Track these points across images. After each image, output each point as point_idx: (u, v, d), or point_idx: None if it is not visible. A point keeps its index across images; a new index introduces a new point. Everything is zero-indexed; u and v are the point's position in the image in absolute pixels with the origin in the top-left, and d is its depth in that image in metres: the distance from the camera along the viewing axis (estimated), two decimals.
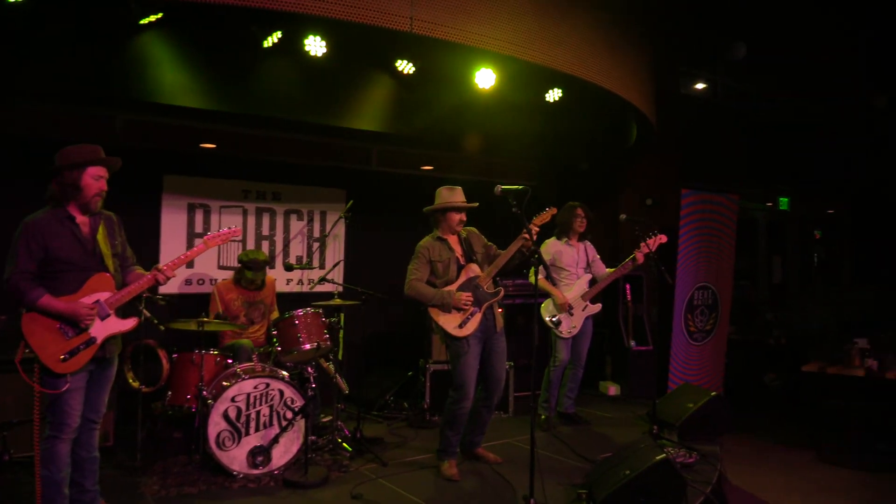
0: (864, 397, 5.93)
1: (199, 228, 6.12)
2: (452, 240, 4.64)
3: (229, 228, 3.97)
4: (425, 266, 4.55)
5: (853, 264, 11.39)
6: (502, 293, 4.60)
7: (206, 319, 4.68)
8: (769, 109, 10.25)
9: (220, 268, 6.20)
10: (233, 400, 4.43)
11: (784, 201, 11.35)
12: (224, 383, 4.51)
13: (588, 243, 5.85)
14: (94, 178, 3.48)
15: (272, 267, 6.44)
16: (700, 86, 9.51)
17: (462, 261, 4.59)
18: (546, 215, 4.57)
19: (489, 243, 4.78)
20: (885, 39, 9.23)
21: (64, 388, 3.36)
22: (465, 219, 4.61)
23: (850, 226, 11.49)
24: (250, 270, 5.44)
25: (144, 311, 4.43)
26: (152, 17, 4.34)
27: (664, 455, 3.83)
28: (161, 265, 3.65)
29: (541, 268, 4.12)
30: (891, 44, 9.12)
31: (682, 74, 9.00)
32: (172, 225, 5.99)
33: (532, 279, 5.17)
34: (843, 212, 11.61)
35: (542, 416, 5.71)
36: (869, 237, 10.99)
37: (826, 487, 5.27)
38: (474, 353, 4.47)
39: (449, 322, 4.45)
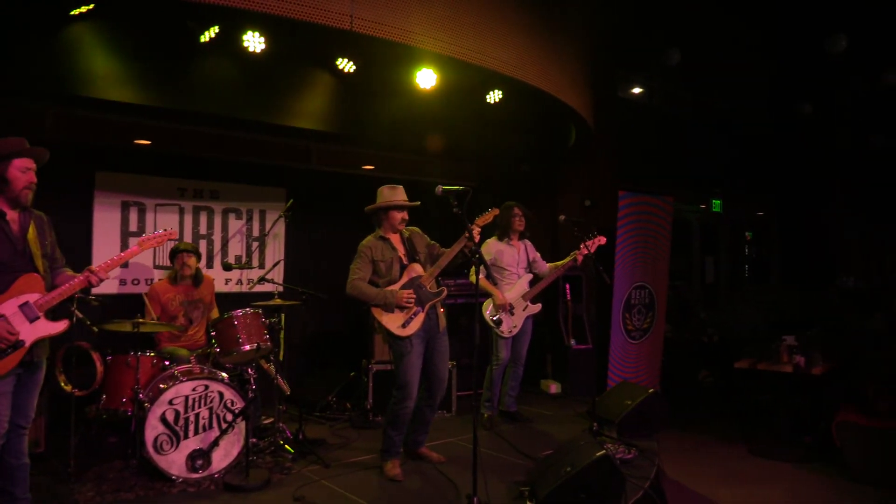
0: (792, 392, 6.18)
1: (133, 227, 5.99)
2: (395, 239, 4.65)
3: (165, 230, 3.91)
4: (368, 265, 4.55)
5: (781, 265, 11.83)
6: (445, 293, 4.63)
7: (141, 320, 4.57)
8: (702, 114, 10.59)
9: (157, 267, 6.09)
10: (170, 403, 4.35)
11: (717, 203, 11.72)
12: (161, 386, 4.43)
13: (528, 243, 5.92)
14: (22, 171, 3.38)
15: (211, 266, 6.36)
16: (637, 90, 9.76)
17: (405, 260, 4.61)
18: (488, 216, 4.61)
19: (432, 243, 4.80)
20: (806, 52, 9.66)
21: None
22: (406, 218, 4.63)
23: (779, 228, 11.92)
24: (177, 252, 5.41)
25: (76, 312, 4.29)
26: (84, 8, 4.22)
27: (604, 451, 3.91)
28: (94, 266, 3.56)
29: (482, 267, 4.16)
30: (812, 55, 9.54)
31: (619, 79, 9.20)
32: (105, 224, 5.84)
33: (473, 279, 5.22)
34: (772, 214, 12.06)
35: (485, 415, 5.76)
36: (795, 239, 11.43)
37: (757, 479, 5.48)
38: (417, 352, 4.49)
39: (392, 321, 4.47)
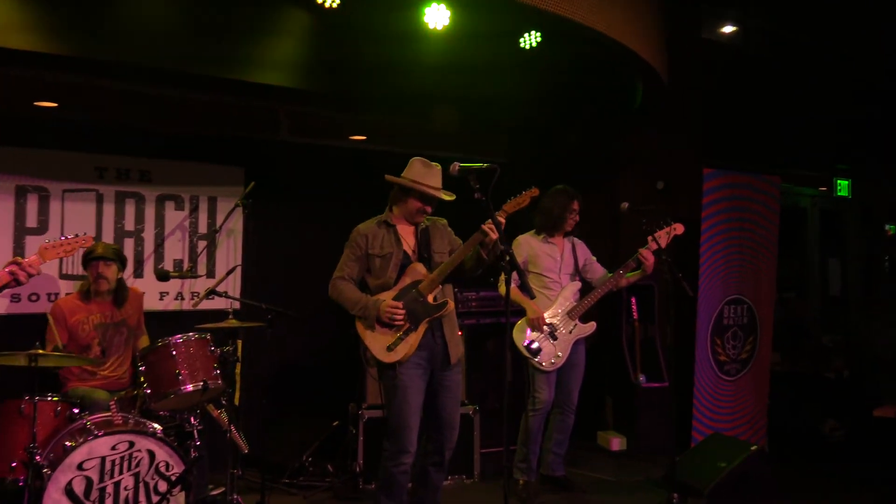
0: None
1: (31, 222, 5.99)
2: (405, 230, 4.65)
3: (77, 235, 3.90)
4: (357, 260, 4.60)
5: None
6: (449, 307, 4.57)
7: (41, 352, 4.50)
8: (821, 61, 10.41)
9: (64, 277, 6.05)
10: (80, 467, 4.30)
11: (843, 185, 11.53)
12: (68, 443, 4.37)
13: (577, 241, 5.90)
14: None
15: (140, 275, 6.35)
16: (728, 29, 9.63)
17: (413, 256, 4.61)
18: (524, 198, 4.55)
19: (459, 242, 4.75)
20: None
21: None
22: (429, 211, 4.63)
23: None
24: (91, 259, 5.36)
25: None
26: None
27: None
28: None
29: (514, 274, 4.10)
30: None
31: (704, 14, 9.09)
32: None
33: (502, 290, 5.16)
34: None
35: (520, 481, 5.71)
36: None
37: None
38: (414, 387, 4.47)
39: (376, 342, 4.49)
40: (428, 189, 4.52)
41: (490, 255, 4.36)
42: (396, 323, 4.44)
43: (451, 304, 4.59)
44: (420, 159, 4.61)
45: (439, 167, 4.57)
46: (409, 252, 4.62)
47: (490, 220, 4.21)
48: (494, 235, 4.23)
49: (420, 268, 4.58)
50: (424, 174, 4.56)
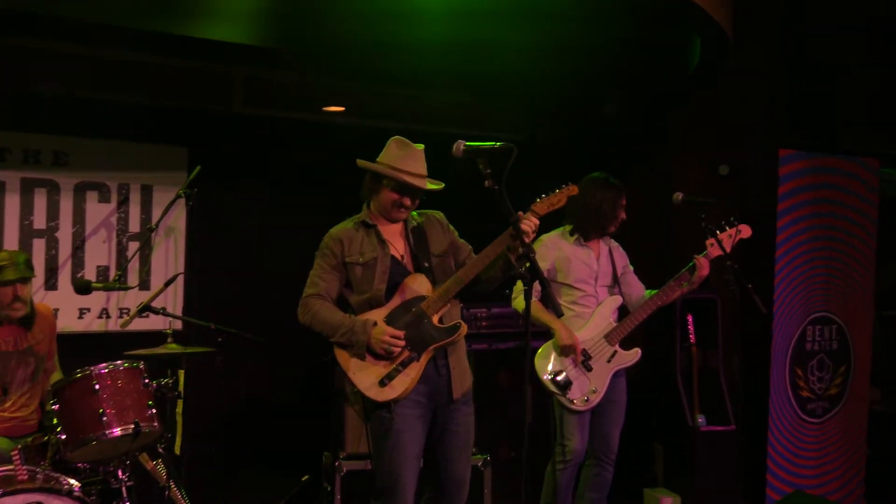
0: None
1: None
2: (390, 230, 4.62)
3: None
4: (333, 271, 4.54)
5: None
6: (463, 331, 4.53)
7: None
8: None
9: None
10: None
11: None
12: None
13: (614, 243, 5.89)
14: None
15: (53, 286, 6.36)
16: None
17: (407, 264, 4.57)
18: (559, 197, 4.53)
19: (461, 242, 4.76)
20: None
21: None
22: (408, 205, 4.54)
23: None
24: (6, 269, 5.28)
25: None
26: None
27: None
28: None
29: (536, 285, 4.05)
30: None
31: None
32: None
33: (519, 305, 5.10)
34: None
35: None
36: None
37: None
38: (412, 432, 4.43)
39: (364, 375, 4.41)
40: (403, 176, 4.44)
41: (520, 263, 4.31)
42: (389, 351, 4.38)
43: (465, 328, 4.53)
44: (397, 139, 4.57)
45: (422, 148, 4.54)
46: (399, 257, 4.56)
47: (510, 221, 4.14)
48: (531, 234, 4.24)
49: (421, 280, 4.52)
50: (401, 157, 4.49)
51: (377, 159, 4.53)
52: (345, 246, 4.53)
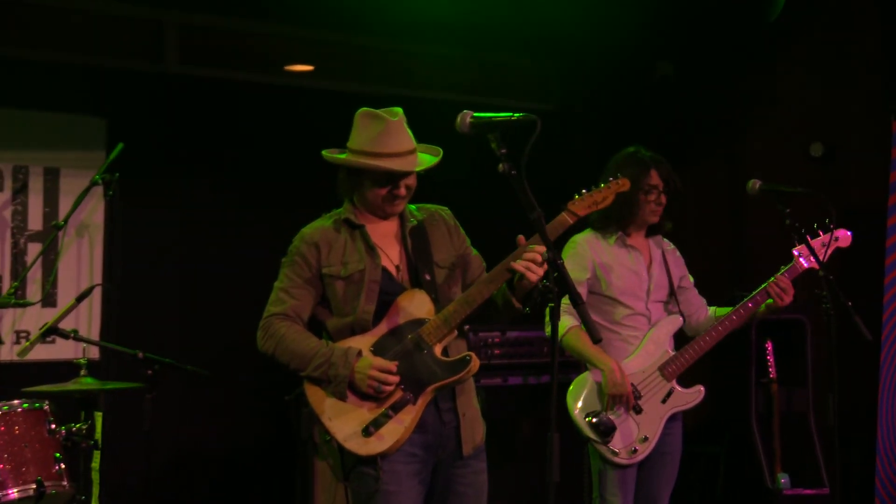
0: None
1: None
2: (381, 231, 4.57)
3: None
4: (306, 285, 4.47)
5: None
6: (474, 367, 4.51)
7: None
8: None
9: None
10: None
11: None
12: None
13: (668, 245, 5.89)
14: None
15: None
16: None
17: (397, 278, 4.52)
18: (605, 194, 4.52)
19: (472, 252, 4.72)
20: None
21: None
22: (403, 194, 4.47)
23: None
24: None
25: None
26: None
27: None
28: None
29: (567, 306, 4.09)
30: None
31: None
32: None
33: (547, 330, 5.10)
34: None
35: None
36: None
37: None
38: (406, 495, 4.39)
39: (342, 422, 4.37)
40: (385, 163, 4.36)
41: (528, 301, 4.32)
42: (376, 391, 4.32)
43: (476, 363, 4.50)
44: (365, 112, 4.45)
45: (399, 115, 4.44)
46: (392, 268, 4.51)
47: (533, 216, 4.15)
48: (533, 277, 4.21)
49: (421, 299, 4.47)
50: (376, 138, 4.40)
51: (347, 144, 4.48)
52: (322, 253, 4.46)
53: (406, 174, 4.40)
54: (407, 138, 4.42)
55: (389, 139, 4.36)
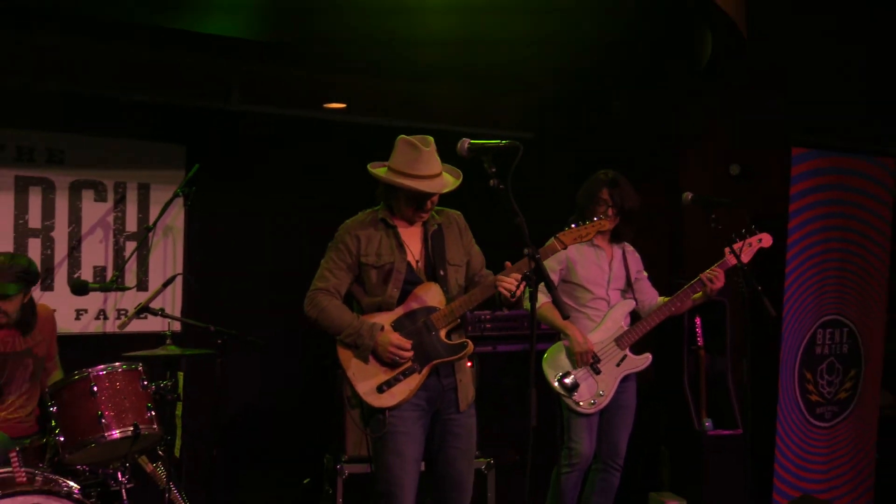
0: None
1: None
2: (409, 233, 4.63)
3: None
4: (346, 269, 4.56)
5: None
6: (469, 349, 4.58)
7: None
8: None
9: None
10: None
11: None
12: None
13: (629, 247, 5.91)
14: None
15: (49, 287, 6.39)
16: None
17: (420, 272, 4.59)
18: (589, 229, 4.69)
19: (475, 250, 4.81)
20: None
21: None
22: (428, 208, 4.56)
23: None
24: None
25: None
26: None
27: None
28: None
29: (542, 287, 4.16)
30: None
31: None
32: None
33: (526, 305, 5.17)
34: None
35: None
36: None
37: None
38: (411, 436, 4.49)
39: (364, 378, 4.47)
40: (417, 184, 4.39)
41: (508, 303, 4.46)
42: (394, 360, 4.42)
43: (471, 347, 4.59)
44: (405, 140, 4.48)
45: (431, 143, 4.46)
46: (414, 263, 4.58)
47: (517, 229, 4.11)
48: (509, 295, 4.34)
49: (435, 291, 4.56)
50: (412, 161, 4.42)
51: (388, 162, 4.49)
52: (361, 244, 4.52)
53: (432, 194, 4.44)
54: (436, 164, 4.45)
55: (422, 164, 4.39)
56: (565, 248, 4.64)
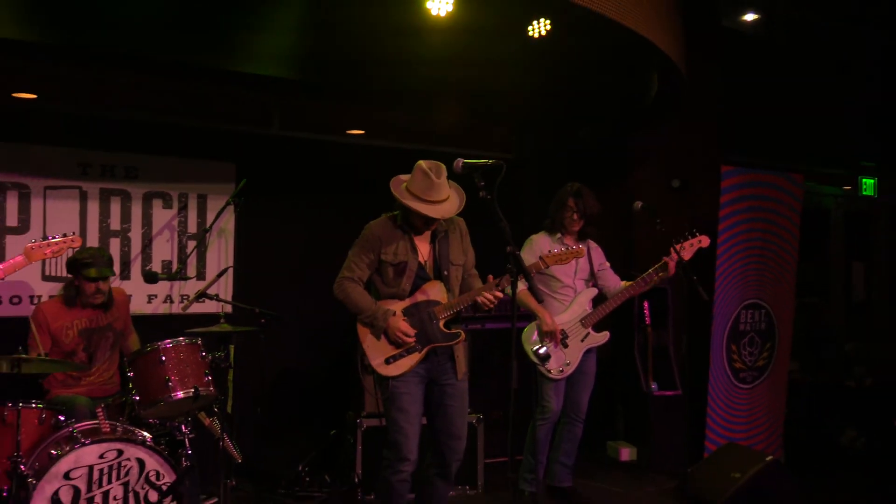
0: None
1: (12, 220, 6.03)
2: (420, 238, 4.69)
3: (65, 236, 3.94)
4: (367, 261, 4.62)
5: None
6: (461, 339, 4.67)
7: (23, 356, 4.54)
8: (848, 51, 10.39)
9: (47, 279, 6.10)
10: (67, 477, 4.35)
11: (869, 184, 11.48)
12: (53, 452, 4.43)
13: (593, 244, 5.93)
14: None
15: (127, 276, 6.40)
16: (750, 17, 9.64)
17: (428, 269, 4.66)
18: (568, 255, 4.89)
19: (470, 251, 4.86)
20: None
21: None
22: (433, 226, 4.64)
23: None
24: (91, 268, 5.34)
25: None
26: None
27: None
28: None
29: (522, 278, 4.18)
30: None
31: (724, 2, 9.11)
32: None
33: (508, 291, 5.20)
34: None
35: (526, 492, 5.76)
36: None
37: None
38: (412, 396, 4.57)
39: (376, 351, 4.56)
40: (425, 209, 4.44)
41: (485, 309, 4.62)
42: (400, 340, 4.51)
43: (463, 336, 4.67)
44: (422, 167, 4.48)
45: (443, 173, 4.48)
46: (424, 262, 4.65)
47: (499, 227, 4.15)
48: (489, 306, 4.51)
49: (439, 288, 4.64)
50: (426, 189, 4.45)
51: (406, 185, 4.54)
52: (382, 244, 4.58)
53: (432, 220, 4.53)
54: (444, 191, 4.47)
55: (432, 192, 4.42)
56: (547, 267, 4.81)
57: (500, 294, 4.52)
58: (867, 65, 10.54)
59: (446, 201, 4.52)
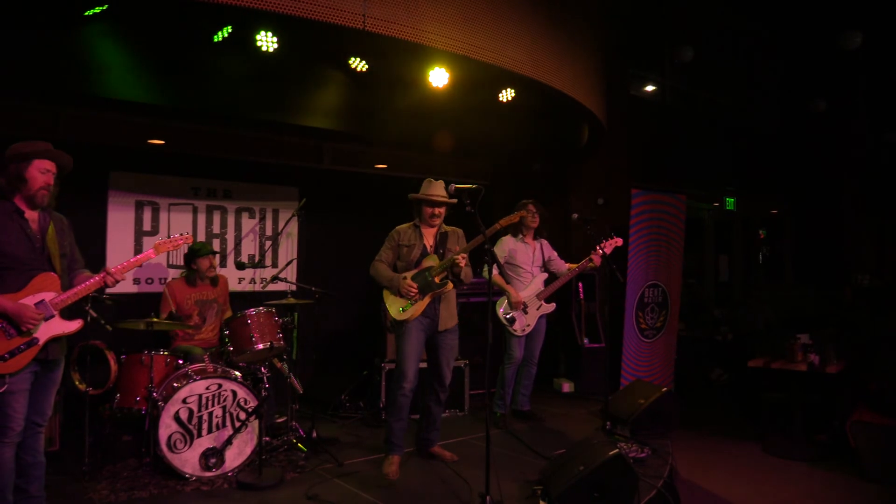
0: (806, 391, 6.12)
1: (147, 226, 5.99)
2: (428, 231, 4.73)
3: (181, 235, 3.94)
4: (392, 249, 4.70)
5: (795, 263, 11.73)
6: (449, 287, 4.64)
7: (155, 319, 4.58)
8: (715, 111, 10.51)
9: (171, 266, 6.08)
10: (184, 401, 4.36)
11: (730, 201, 11.62)
12: (175, 384, 4.44)
13: (545, 242, 5.91)
14: (41, 172, 3.45)
15: (224, 265, 6.37)
16: (649, 88, 9.70)
17: (430, 250, 4.69)
18: (513, 218, 4.77)
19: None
20: (820, 48, 9.68)
21: (2, 389, 3.26)
22: (438, 213, 4.66)
23: (793, 226, 11.82)
24: (202, 250, 5.40)
25: (91, 311, 4.30)
26: (98, 9, 4.21)
27: (617, 450, 3.89)
28: (111, 268, 3.59)
29: (494, 264, 4.16)
30: (826, 52, 9.54)
31: (631, 77, 9.16)
32: (119, 223, 5.84)
33: (486, 275, 5.20)
34: (786, 212, 11.96)
35: (498, 414, 5.75)
36: (809, 237, 11.33)
37: (771, 479, 5.43)
38: (415, 338, 4.57)
39: (393, 305, 4.59)
40: (428, 196, 4.62)
41: (458, 281, 4.60)
42: (408, 295, 4.52)
43: (451, 286, 4.64)
44: (428, 179, 4.71)
45: (442, 182, 4.66)
46: (428, 246, 4.68)
47: (480, 230, 4.17)
48: (462, 263, 4.48)
49: (434, 258, 4.65)
50: (428, 188, 4.67)
51: (420, 191, 4.69)
52: (401, 236, 4.68)
53: (437, 203, 4.57)
54: (441, 190, 4.60)
55: (431, 189, 4.57)
56: (502, 227, 4.72)
57: (465, 257, 4.52)
58: (729, 121, 10.64)
59: (443, 196, 4.64)
